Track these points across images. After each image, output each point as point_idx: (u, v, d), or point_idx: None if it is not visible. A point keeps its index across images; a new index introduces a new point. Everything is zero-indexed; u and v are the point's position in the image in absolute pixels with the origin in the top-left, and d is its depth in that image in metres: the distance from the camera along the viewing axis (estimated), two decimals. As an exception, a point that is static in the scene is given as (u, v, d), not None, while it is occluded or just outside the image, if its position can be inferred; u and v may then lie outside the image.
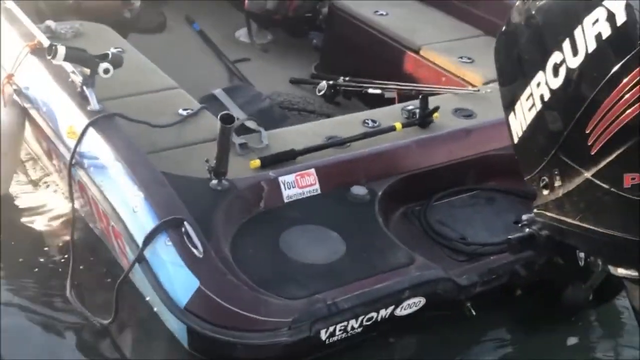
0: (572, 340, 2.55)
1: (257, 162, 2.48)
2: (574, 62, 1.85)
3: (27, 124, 2.87)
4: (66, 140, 2.53)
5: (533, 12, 1.98)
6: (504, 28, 2.10)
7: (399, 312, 2.19)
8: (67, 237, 2.59)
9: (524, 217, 2.15)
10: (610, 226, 1.86)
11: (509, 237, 2.14)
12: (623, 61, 1.74)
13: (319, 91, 3.41)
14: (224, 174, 2.32)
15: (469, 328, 2.39)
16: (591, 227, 1.90)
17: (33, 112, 2.72)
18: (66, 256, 2.62)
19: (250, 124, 2.74)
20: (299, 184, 2.45)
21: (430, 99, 2.83)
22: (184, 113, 2.74)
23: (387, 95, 3.20)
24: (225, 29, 4.33)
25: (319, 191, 2.47)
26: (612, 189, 1.80)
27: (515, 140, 2.10)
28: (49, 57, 2.44)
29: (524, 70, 2.02)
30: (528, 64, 2.00)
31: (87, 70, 2.47)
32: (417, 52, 3.43)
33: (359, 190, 2.49)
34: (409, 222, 2.56)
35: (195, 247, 2.08)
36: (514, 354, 2.49)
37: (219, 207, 2.28)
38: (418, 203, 2.61)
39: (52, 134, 2.61)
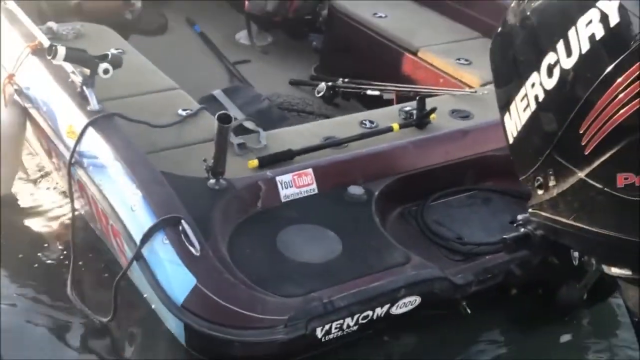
0: (566, 339, 2.56)
1: (255, 162, 2.50)
2: (568, 63, 1.86)
3: (28, 124, 2.89)
4: (66, 140, 2.55)
5: (528, 13, 1.99)
6: (499, 29, 2.11)
7: (395, 310, 2.20)
8: (68, 236, 2.61)
9: (519, 217, 2.16)
10: (603, 226, 1.86)
11: (504, 236, 2.15)
12: (617, 62, 1.74)
13: (318, 92, 3.44)
14: (221, 173, 2.34)
15: (465, 327, 2.41)
16: (585, 226, 1.91)
17: (33, 112, 2.75)
18: (66, 255, 2.64)
19: (249, 125, 2.76)
20: (296, 184, 2.47)
21: (428, 100, 2.86)
22: (184, 113, 2.76)
23: (386, 96, 3.23)
24: (226, 31, 4.36)
25: (316, 191, 2.49)
26: (605, 189, 1.80)
27: (510, 140, 2.11)
28: (49, 58, 2.46)
29: (519, 71, 2.03)
30: (523, 65, 2.01)
31: (87, 71, 2.49)
32: (415, 53, 3.45)
33: (355, 190, 2.51)
34: (405, 222, 2.58)
35: (193, 246, 2.10)
36: (509, 353, 2.50)
37: (217, 206, 2.30)
38: (415, 203, 2.62)
39: (52, 134, 2.64)
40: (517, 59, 2.04)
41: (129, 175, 2.28)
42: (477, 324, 2.42)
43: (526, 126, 2.03)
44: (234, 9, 4.40)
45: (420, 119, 2.76)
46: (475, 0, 3.59)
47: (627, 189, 1.77)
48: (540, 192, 2.03)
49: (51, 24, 3.19)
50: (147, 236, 2.12)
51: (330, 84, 3.40)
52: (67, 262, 2.59)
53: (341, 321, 2.12)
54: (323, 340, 2.13)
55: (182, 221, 2.13)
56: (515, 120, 2.07)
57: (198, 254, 2.09)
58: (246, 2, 4.07)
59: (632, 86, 1.73)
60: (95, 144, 2.43)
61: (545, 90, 1.93)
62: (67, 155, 2.48)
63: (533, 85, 1.98)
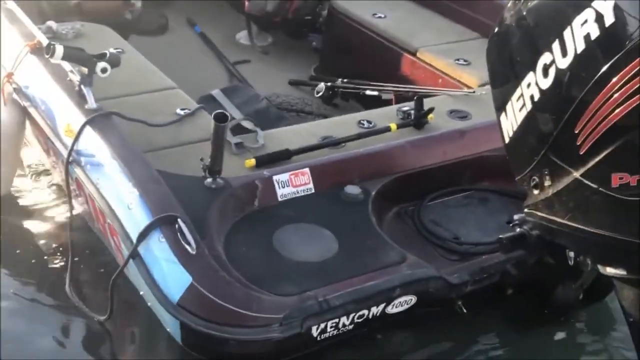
0: (562, 339, 2.56)
1: (252, 161, 2.51)
2: (564, 63, 1.85)
3: (27, 122, 2.90)
4: (64, 139, 2.56)
5: (524, 13, 2.00)
6: (496, 29, 2.11)
7: (391, 309, 2.20)
8: (66, 234, 2.62)
9: (516, 216, 2.17)
10: (598, 225, 1.86)
11: (501, 236, 2.15)
12: (612, 61, 1.74)
13: (317, 93, 3.44)
14: (218, 172, 2.35)
15: (461, 326, 2.41)
16: (580, 226, 1.91)
17: (32, 111, 2.75)
18: (64, 253, 2.65)
19: (247, 124, 2.77)
20: (293, 183, 2.48)
21: (426, 100, 2.86)
22: (182, 113, 2.77)
23: (385, 96, 3.23)
24: (226, 31, 4.38)
25: (313, 190, 2.50)
26: (600, 189, 1.80)
27: (507, 140, 2.12)
28: (47, 56, 2.47)
29: (515, 71, 2.03)
30: (519, 65, 2.01)
31: (85, 70, 2.50)
32: (414, 54, 3.46)
33: (352, 189, 2.52)
34: (402, 221, 2.58)
35: (189, 244, 2.10)
36: (505, 353, 2.50)
37: (213, 205, 2.31)
38: (412, 203, 2.63)
39: (51, 132, 2.64)
40: (514, 59, 2.04)
41: (125, 173, 2.29)
42: (473, 323, 2.43)
43: (522, 126, 2.03)
44: (234, 10, 4.41)
45: (418, 119, 2.77)
46: (475, 0, 3.59)
47: (622, 189, 1.76)
48: (535, 192, 2.03)
49: (51, 24, 3.20)
50: (143, 234, 2.13)
51: (329, 84, 3.40)
52: (65, 260, 2.60)
53: (337, 320, 2.13)
54: (318, 338, 2.13)
55: (179, 220, 2.13)
56: (512, 120, 2.07)
57: (194, 253, 2.09)
58: (246, 3, 4.08)
59: (627, 86, 1.73)
60: (93, 143, 2.44)
61: (540, 90, 1.93)
62: (65, 153, 2.49)
63: (529, 85, 1.98)
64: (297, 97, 3.67)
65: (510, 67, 2.06)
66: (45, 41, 2.74)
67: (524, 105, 2.01)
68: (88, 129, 2.45)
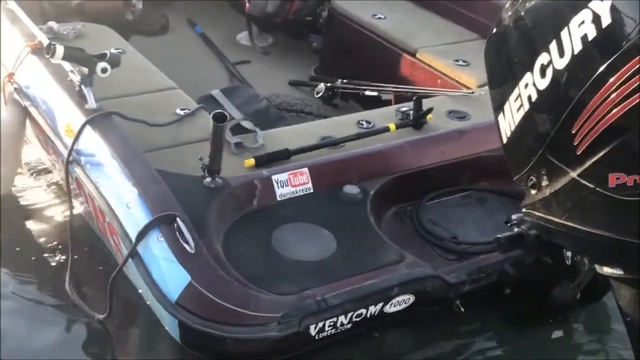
0: (560, 339, 2.56)
1: (251, 161, 2.52)
2: (561, 63, 1.86)
3: (27, 122, 2.92)
4: (64, 138, 2.57)
5: (522, 14, 2.00)
6: (494, 30, 2.12)
7: (389, 308, 2.21)
8: (66, 233, 2.62)
9: (514, 216, 2.17)
10: (595, 225, 1.87)
11: (498, 236, 2.16)
12: (609, 62, 1.75)
13: (317, 93, 3.45)
14: (217, 172, 2.36)
15: (459, 326, 2.42)
16: (577, 226, 1.91)
17: (33, 111, 2.76)
18: (65, 252, 2.66)
19: (246, 124, 2.78)
20: (291, 183, 2.49)
21: (425, 100, 2.87)
22: (182, 113, 2.78)
23: (384, 97, 3.24)
24: (227, 32, 4.39)
25: (311, 190, 2.51)
26: (597, 189, 1.81)
27: (504, 140, 2.12)
28: (47, 56, 2.48)
29: (513, 72, 2.04)
30: (517, 66, 2.02)
31: (85, 70, 2.51)
32: (413, 55, 3.47)
33: (351, 189, 2.53)
34: (401, 221, 2.59)
35: (187, 243, 2.11)
36: (503, 352, 2.50)
37: (212, 205, 2.32)
38: (410, 203, 2.64)
39: (51, 132, 2.66)
40: (511, 60, 2.05)
41: (125, 173, 2.30)
42: (470, 322, 2.44)
43: (519, 126, 2.04)
44: (235, 10, 4.42)
45: (417, 120, 2.78)
46: (474, 1, 3.60)
47: (619, 189, 1.77)
48: (533, 191, 2.03)
49: (52, 24, 3.21)
50: (142, 234, 2.14)
51: (329, 84, 3.41)
52: (65, 259, 2.61)
53: (335, 319, 2.13)
54: (317, 337, 2.14)
55: (177, 219, 2.14)
56: (509, 120, 2.08)
57: (192, 252, 2.10)
58: (247, 3, 4.10)
59: (624, 86, 1.74)
60: (93, 142, 2.45)
61: (538, 91, 1.94)
62: (65, 153, 2.50)
63: (526, 85, 1.99)
64: (297, 98, 3.68)
65: (508, 67, 2.06)
66: (45, 41, 2.76)
67: (521, 105, 2.01)
68: (88, 128, 2.46)
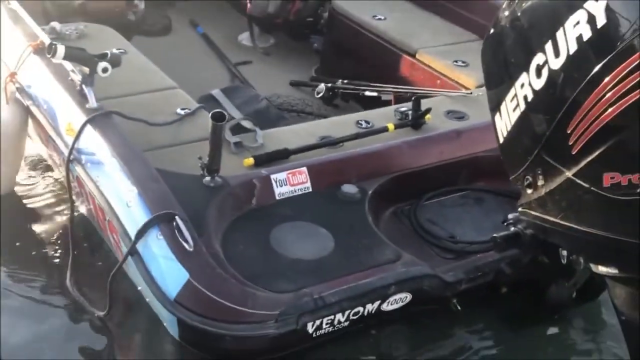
0: (556, 337, 2.58)
1: (250, 160, 2.53)
2: (556, 64, 1.87)
3: (29, 121, 2.94)
4: (65, 137, 2.59)
5: (518, 14, 2.01)
6: (491, 30, 2.13)
7: (386, 307, 2.23)
8: (67, 231, 2.65)
9: (510, 216, 2.18)
10: (590, 224, 1.88)
11: (495, 235, 2.17)
12: (604, 62, 1.76)
13: (318, 93, 3.47)
14: (216, 171, 2.38)
15: (456, 324, 2.44)
16: (572, 225, 1.92)
17: (34, 110, 2.79)
18: (66, 249, 2.67)
19: (246, 124, 2.79)
20: (290, 182, 2.51)
21: (424, 101, 2.88)
22: (182, 112, 2.80)
23: (384, 97, 3.26)
24: (228, 33, 4.41)
25: (310, 189, 2.53)
26: (592, 188, 1.82)
27: (501, 140, 2.13)
28: (48, 56, 2.50)
29: (509, 72, 2.05)
30: (513, 66, 2.03)
31: (86, 69, 2.53)
32: (413, 55, 3.48)
33: (349, 188, 2.54)
34: (399, 220, 2.61)
35: (186, 241, 2.13)
36: (499, 350, 2.51)
37: (211, 203, 2.33)
38: (408, 202, 2.65)
39: (52, 131, 2.68)
40: (508, 60, 2.06)
41: (125, 172, 2.32)
42: (467, 321, 2.46)
43: (516, 126, 2.05)
44: (237, 11, 4.45)
45: (416, 120, 2.79)
46: (474, 2, 3.61)
47: (613, 189, 1.78)
48: (529, 191, 2.04)
49: (54, 24, 3.23)
50: (142, 232, 2.16)
51: (329, 85, 3.43)
52: (66, 256, 2.63)
53: (332, 317, 2.15)
54: (314, 335, 2.16)
55: (176, 217, 2.16)
56: (506, 120, 2.09)
57: (191, 250, 2.12)
58: (248, 4, 4.12)
59: (618, 86, 1.74)
60: (93, 141, 2.47)
61: (534, 91, 1.95)
62: (66, 152, 2.52)
63: (522, 85, 2.00)
64: (298, 98, 3.70)
65: (505, 68, 2.07)
66: (47, 41, 2.78)
67: (517, 105, 2.02)
68: (89, 127, 2.48)
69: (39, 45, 2.84)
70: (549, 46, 1.89)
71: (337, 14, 3.94)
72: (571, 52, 1.83)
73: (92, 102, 2.55)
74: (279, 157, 2.57)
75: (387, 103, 3.20)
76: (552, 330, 2.57)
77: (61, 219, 2.96)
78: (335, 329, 2.19)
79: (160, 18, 4.39)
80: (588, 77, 1.79)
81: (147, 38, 4.05)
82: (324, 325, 2.15)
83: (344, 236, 2.38)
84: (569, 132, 1.84)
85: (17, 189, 3.12)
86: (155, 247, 2.15)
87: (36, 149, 3.24)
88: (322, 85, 3.45)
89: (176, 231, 2.15)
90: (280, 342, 2.11)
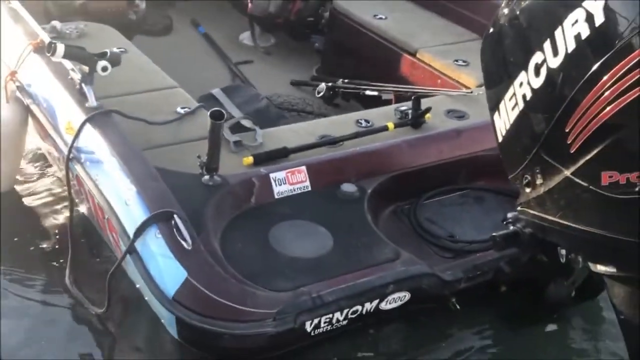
0: (555, 336, 2.58)
1: (250, 159, 2.53)
2: (555, 62, 1.87)
3: (29, 120, 2.95)
4: (64, 136, 2.60)
5: (517, 13, 2.01)
6: (490, 30, 2.12)
7: (384, 305, 2.23)
8: (66, 229, 2.66)
9: (509, 215, 2.18)
10: (589, 223, 1.88)
11: (494, 234, 2.17)
12: (602, 60, 1.76)
13: (318, 93, 3.47)
14: (215, 169, 2.38)
15: (455, 322, 2.44)
16: (571, 224, 1.92)
17: (34, 109, 2.80)
18: (65, 247, 2.68)
19: (246, 123, 2.80)
20: (289, 181, 2.51)
21: (424, 100, 2.88)
22: (182, 111, 2.80)
23: (385, 97, 3.26)
24: (230, 32, 4.42)
25: (309, 188, 2.53)
26: (590, 187, 1.82)
27: (500, 139, 2.13)
28: (48, 54, 2.51)
29: (508, 71, 2.05)
30: (512, 65, 2.03)
31: (86, 68, 2.53)
32: (414, 55, 3.48)
33: (348, 187, 2.54)
34: (398, 219, 2.61)
35: (185, 240, 2.13)
36: (498, 348, 2.52)
37: (210, 202, 2.34)
38: (408, 201, 2.65)
39: (52, 130, 2.69)
40: (507, 59, 2.06)
41: (124, 170, 2.32)
42: (466, 320, 2.46)
43: (514, 125, 2.05)
44: (238, 11, 4.45)
45: (415, 119, 2.79)
46: (474, 1, 3.61)
47: (612, 187, 1.78)
48: (528, 190, 2.04)
49: (55, 23, 3.23)
50: (140, 230, 2.16)
51: (330, 84, 3.43)
52: (65, 255, 2.63)
53: (330, 315, 2.15)
54: (312, 334, 2.16)
55: (175, 216, 2.16)
56: (504, 119, 2.09)
57: (189, 248, 2.12)
58: (249, 4, 4.12)
59: (616, 85, 1.74)
60: (93, 140, 2.47)
61: (532, 89, 1.94)
62: (66, 150, 2.52)
63: (521, 84, 2.00)
64: (298, 97, 3.70)
65: (504, 67, 2.07)
66: (47, 40, 2.78)
67: (516, 104, 2.02)
68: (88, 126, 2.49)
69: (39, 44, 2.84)
70: (547, 45, 1.89)
71: (338, 14, 3.94)
72: (569, 51, 1.82)
73: (92, 101, 2.56)
74: (278, 156, 2.57)
75: (387, 102, 3.20)
76: (551, 328, 2.57)
77: (61, 217, 2.97)
78: (334, 327, 2.19)
79: (162, 18, 4.39)
80: (586, 76, 1.79)
81: (148, 38, 4.06)
82: (322, 324, 2.16)
83: (343, 235, 2.38)
84: (567, 130, 1.84)
85: (17, 187, 3.13)
86: (154, 246, 2.15)
87: (36, 147, 3.25)
88: (322, 85, 3.45)
89: (175, 230, 2.15)
90: (278, 341, 2.12)
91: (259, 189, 2.46)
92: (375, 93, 3.26)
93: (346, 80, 3.42)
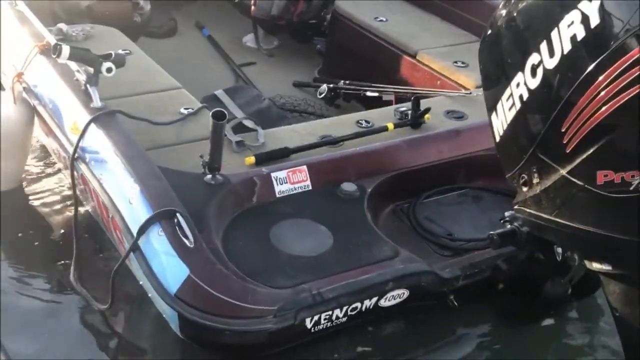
0: (552, 332, 2.60)
1: (251, 159, 2.57)
2: (551, 63, 1.89)
3: (35, 120, 3.00)
4: (70, 136, 2.64)
5: (514, 15, 2.04)
6: (488, 31, 2.15)
7: (384, 302, 2.25)
8: (71, 227, 2.69)
9: (507, 213, 2.21)
10: (584, 222, 1.90)
11: (491, 232, 2.21)
12: (597, 61, 1.78)
13: (320, 94, 3.50)
14: (217, 169, 2.41)
15: (453, 319, 2.46)
16: (567, 222, 1.94)
17: (41, 109, 2.84)
18: (70, 245, 2.70)
19: (248, 123, 2.83)
20: (290, 180, 2.54)
21: (424, 101, 2.91)
22: (185, 112, 2.84)
23: (385, 97, 3.29)
24: (233, 34, 4.46)
25: (310, 187, 2.56)
26: (586, 186, 1.84)
27: (497, 139, 2.16)
28: (53, 56, 2.54)
29: (505, 72, 2.08)
30: (509, 66, 2.06)
31: (91, 69, 2.58)
32: (414, 56, 3.51)
33: (348, 186, 2.57)
34: (397, 218, 2.64)
35: (187, 238, 2.16)
36: (496, 345, 2.54)
37: (212, 201, 2.37)
38: (407, 201, 2.68)
39: (58, 130, 2.73)
40: (504, 60, 2.08)
41: (127, 169, 2.36)
42: (464, 317, 2.48)
43: (511, 125, 2.07)
44: (242, 13, 4.48)
45: (415, 119, 2.82)
46: (474, 2, 3.64)
47: (607, 186, 1.80)
48: (524, 189, 2.07)
49: (61, 25, 3.28)
50: (144, 228, 2.19)
51: (331, 85, 3.47)
52: (70, 252, 2.67)
53: (330, 312, 2.18)
54: (312, 330, 2.18)
55: (178, 214, 2.20)
56: (502, 119, 2.11)
57: (192, 246, 2.15)
58: (252, 7, 4.16)
59: (612, 85, 1.77)
60: (97, 140, 2.51)
61: (529, 90, 1.97)
62: (71, 150, 2.56)
63: (518, 85, 2.02)
64: (300, 98, 3.74)
65: (501, 68, 2.09)
66: (53, 41, 2.82)
67: (513, 104, 2.05)
68: (93, 126, 2.53)
69: (45, 45, 2.88)
70: (543, 46, 1.91)
71: (340, 16, 3.97)
72: (565, 52, 1.85)
73: (97, 102, 2.60)
74: (279, 156, 2.60)
75: (388, 103, 3.23)
76: (548, 325, 2.59)
77: (66, 215, 3.01)
78: (334, 324, 2.22)
79: (166, 20, 4.44)
80: (582, 77, 1.81)
81: (153, 40, 4.10)
82: (322, 321, 2.18)
83: (342, 233, 2.41)
84: (563, 130, 1.87)
85: (23, 185, 3.17)
86: (157, 244, 2.18)
87: (42, 146, 3.30)
88: (324, 86, 3.48)
89: (177, 228, 2.18)
90: (278, 337, 2.14)
91: (261, 188, 2.49)
92: (376, 94, 3.29)
93: (347, 82, 3.46)
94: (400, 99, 3.18)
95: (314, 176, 2.56)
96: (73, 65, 2.71)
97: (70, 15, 3.68)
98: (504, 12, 2.08)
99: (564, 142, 1.87)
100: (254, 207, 2.48)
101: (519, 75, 2.00)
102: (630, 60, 1.72)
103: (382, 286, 2.23)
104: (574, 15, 1.84)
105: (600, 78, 1.78)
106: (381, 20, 3.79)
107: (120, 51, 2.73)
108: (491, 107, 2.16)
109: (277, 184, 2.52)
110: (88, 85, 2.60)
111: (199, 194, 2.38)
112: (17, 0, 3.22)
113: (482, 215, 2.62)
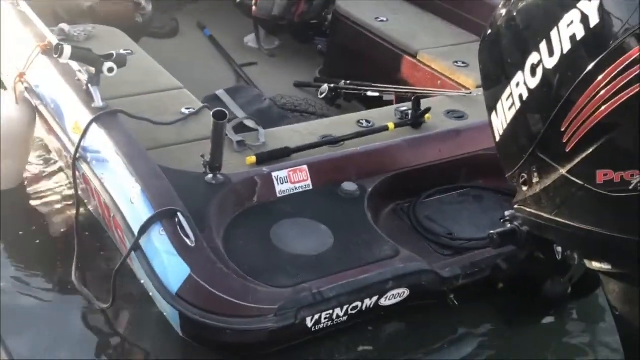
0: (552, 332, 2.60)
1: (252, 159, 2.57)
2: (551, 63, 1.90)
3: (37, 120, 3.01)
4: (71, 135, 2.65)
5: (514, 15, 2.05)
6: (488, 31, 2.16)
7: (384, 302, 2.26)
8: (72, 226, 2.70)
9: (507, 213, 2.21)
10: (584, 221, 1.90)
11: (491, 232, 2.21)
12: (596, 60, 1.79)
13: (321, 94, 3.52)
14: (218, 168, 2.42)
15: (453, 318, 2.46)
16: (566, 221, 1.95)
17: (42, 109, 2.85)
18: (72, 244, 2.72)
19: (249, 123, 2.84)
20: (291, 180, 2.55)
21: (425, 101, 2.92)
22: (186, 112, 2.85)
23: (386, 97, 3.30)
24: (235, 35, 4.46)
25: (310, 187, 2.57)
26: (585, 185, 1.84)
27: (497, 139, 2.16)
28: (55, 56, 2.56)
29: (505, 72, 2.08)
30: (509, 65, 2.06)
31: (92, 69, 2.59)
32: (414, 56, 3.52)
33: (349, 186, 2.58)
34: (398, 218, 2.64)
35: (188, 237, 2.17)
36: (496, 344, 2.54)
37: (213, 200, 2.38)
38: (408, 200, 2.69)
39: (59, 130, 2.74)
40: (504, 60, 2.09)
41: (129, 169, 2.36)
42: (464, 316, 2.48)
43: (511, 124, 2.07)
44: (243, 14, 4.49)
45: (415, 119, 2.83)
46: (474, 2, 3.65)
47: (606, 185, 1.80)
48: (524, 188, 2.07)
49: (63, 26, 3.28)
50: (145, 228, 2.20)
51: (332, 85, 3.48)
52: (72, 251, 2.67)
53: (331, 311, 2.19)
54: (313, 329, 2.19)
55: (179, 214, 2.21)
56: (502, 118, 2.12)
57: (193, 245, 2.16)
58: (253, 7, 4.17)
59: (611, 84, 1.77)
60: (99, 140, 2.52)
61: (529, 89, 1.97)
62: (73, 150, 2.58)
63: (518, 84, 2.02)
64: (301, 98, 3.75)
65: (501, 67, 2.10)
66: (55, 41, 2.84)
67: (513, 104, 2.05)
68: (94, 126, 2.53)
69: (47, 46, 2.89)
70: (543, 45, 1.91)
71: (341, 16, 3.98)
72: (565, 52, 1.85)
73: (98, 102, 2.61)
74: (280, 156, 2.61)
75: (388, 103, 3.24)
76: (548, 325, 2.60)
77: (67, 215, 3.02)
78: (334, 323, 2.23)
79: (168, 21, 4.45)
80: (581, 76, 1.81)
81: (154, 40, 4.11)
82: (322, 320, 2.19)
83: (343, 233, 2.42)
84: (563, 130, 1.87)
85: (24, 185, 3.18)
86: (158, 243, 2.19)
87: (44, 146, 3.31)
88: (325, 86, 3.49)
89: (178, 227, 2.19)
90: (279, 336, 2.15)
91: (262, 188, 2.50)
92: (377, 94, 3.30)
93: (348, 82, 3.47)
94: (400, 99, 3.19)
95: (314, 176, 2.57)
96: (75, 65, 2.72)
97: (72, 15, 3.69)
98: (503, 11, 2.08)
99: (564, 141, 1.87)
100: (255, 207, 2.48)
101: (519, 74, 2.01)
102: (630, 60, 1.73)
103: (382, 285, 2.23)
104: (573, 15, 1.84)
105: (600, 77, 1.79)
106: (382, 21, 3.80)
107: (121, 51, 2.75)
108: (491, 107, 2.17)
109: (278, 184, 2.53)
110: (90, 85, 2.61)
111: (200, 194, 2.39)
112: (19, 1, 3.23)
113: (482, 215, 2.63)
